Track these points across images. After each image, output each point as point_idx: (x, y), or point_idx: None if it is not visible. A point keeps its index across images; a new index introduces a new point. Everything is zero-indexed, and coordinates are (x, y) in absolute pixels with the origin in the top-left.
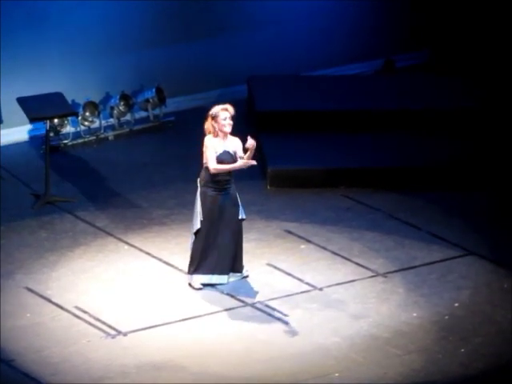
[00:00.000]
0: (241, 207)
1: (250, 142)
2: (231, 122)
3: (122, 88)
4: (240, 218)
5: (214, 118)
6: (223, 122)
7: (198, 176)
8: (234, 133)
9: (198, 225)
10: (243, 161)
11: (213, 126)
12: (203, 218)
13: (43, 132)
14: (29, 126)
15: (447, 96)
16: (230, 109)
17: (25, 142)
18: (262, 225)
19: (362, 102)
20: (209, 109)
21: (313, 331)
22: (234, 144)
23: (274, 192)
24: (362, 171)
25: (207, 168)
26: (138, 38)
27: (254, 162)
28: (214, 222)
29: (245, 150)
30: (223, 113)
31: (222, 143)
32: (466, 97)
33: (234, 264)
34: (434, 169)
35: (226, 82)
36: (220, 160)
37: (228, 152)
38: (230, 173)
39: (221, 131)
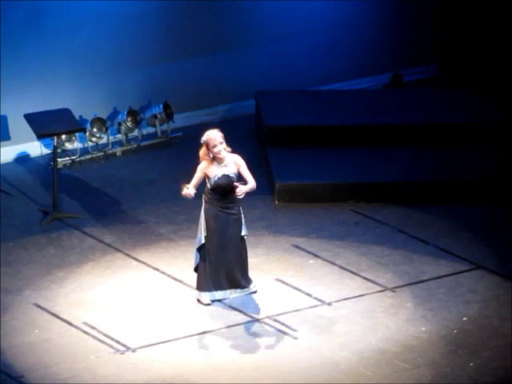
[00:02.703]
0: (244, 224)
1: (239, 190)
2: (223, 146)
3: (129, 104)
4: (242, 234)
5: (206, 145)
6: (215, 150)
7: (203, 192)
8: (241, 149)
9: (201, 240)
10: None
11: (207, 153)
12: (207, 233)
13: (51, 148)
14: (36, 143)
15: (455, 110)
16: (216, 136)
17: (33, 159)
18: (270, 240)
19: (369, 117)
20: (202, 133)
21: (321, 346)
22: (233, 164)
23: (281, 207)
24: (370, 186)
25: (208, 187)
26: (146, 53)
27: (188, 192)
28: (218, 238)
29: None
30: (212, 141)
31: (220, 167)
32: (475, 111)
33: (241, 279)
34: (442, 183)
35: (233, 97)
36: (219, 183)
37: (227, 175)
38: (229, 193)
39: (216, 157)
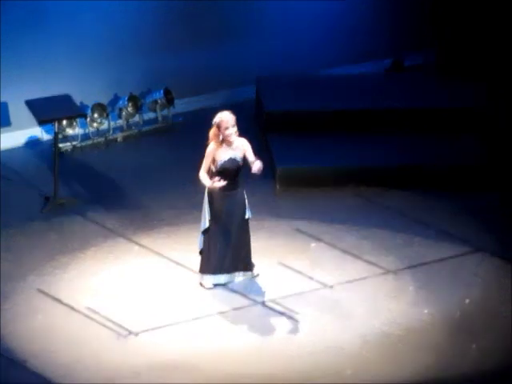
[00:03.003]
0: (247, 207)
1: (257, 167)
2: (235, 129)
3: (130, 89)
4: (246, 217)
5: (218, 127)
6: (226, 132)
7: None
8: (241, 134)
9: (206, 224)
10: (216, 183)
11: (217, 134)
12: (211, 217)
13: (52, 134)
14: (37, 129)
15: (456, 95)
16: (230, 119)
17: (34, 145)
18: (272, 224)
19: (370, 101)
20: (213, 115)
21: (324, 329)
22: (240, 148)
23: (283, 192)
24: (371, 170)
25: (212, 171)
26: (146, 39)
27: (221, 184)
28: (222, 221)
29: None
30: (224, 122)
31: (229, 150)
32: (474, 96)
33: (243, 263)
34: (443, 167)
35: (233, 82)
36: (225, 167)
37: (234, 159)
38: (235, 175)
39: (226, 140)
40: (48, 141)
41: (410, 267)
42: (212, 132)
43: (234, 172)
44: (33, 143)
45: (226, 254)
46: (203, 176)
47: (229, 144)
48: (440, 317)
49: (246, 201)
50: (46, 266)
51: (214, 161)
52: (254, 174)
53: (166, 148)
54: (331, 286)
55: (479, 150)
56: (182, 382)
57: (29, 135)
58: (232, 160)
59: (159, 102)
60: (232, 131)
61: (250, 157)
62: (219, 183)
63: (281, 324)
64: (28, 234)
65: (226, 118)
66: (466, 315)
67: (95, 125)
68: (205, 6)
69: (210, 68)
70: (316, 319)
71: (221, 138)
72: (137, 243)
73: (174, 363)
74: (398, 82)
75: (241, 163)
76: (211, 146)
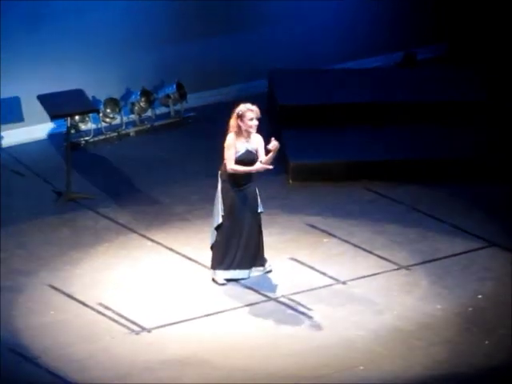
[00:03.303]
0: (259, 201)
1: (274, 144)
2: (257, 123)
3: (142, 84)
4: (259, 211)
5: (241, 117)
6: (250, 123)
7: (219, 170)
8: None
9: (219, 219)
10: (260, 165)
11: (238, 124)
12: (224, 212)
13: (64, 129)
14: (50, 124)
15: (469, 88)
16: (257, 110)
17: (46, 140)
18: (284, 219)
19: (383, 95)
20: (235, 105)
21: (336, 324)
22: (256, 142)
23: (296, 186)
24: (384, 164)
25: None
26: (159, 33)
27: (270, 167)
28: (235, 216)
29: (267, 151)
30: (250, 113)
31: (245, 142)
32: (487, 88)
33: (256, 258)
34: (456, 161)
35: (246, 76)
36: (241, 159)
37: (250, 151)
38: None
39: (246, 131)
40: (60, 136)
41: (422, 262)
42: (233, 122)
43: (249, 165)
44: (45, 138)
45: (238, 249)
46: (236, 167)
47: (247, 136)
48: (452, 312)
49: (258, 195)
50: (58, 261)
51: None
52: (266, 167)
53: (179, 142)
54: (344, 282)
55: (491, 142)
56: (195, 378)
57: (41, 130)
58: (249, 152)
59: (172, 96)
60: (256, 123)
61: (262, 155)
62: (261, 166)
63: (293, 320)
64: (40, 229)
65: (252, 108)
66: (479, 310)
67: (108, 120)
68: (218, 0)
69: (222, 62)
70: (328, 315)
71: (242, 128)
72: (149, 238)
73: (187, 359)
74: (411, 75)
75: (256, 156)
76: (231, 136)
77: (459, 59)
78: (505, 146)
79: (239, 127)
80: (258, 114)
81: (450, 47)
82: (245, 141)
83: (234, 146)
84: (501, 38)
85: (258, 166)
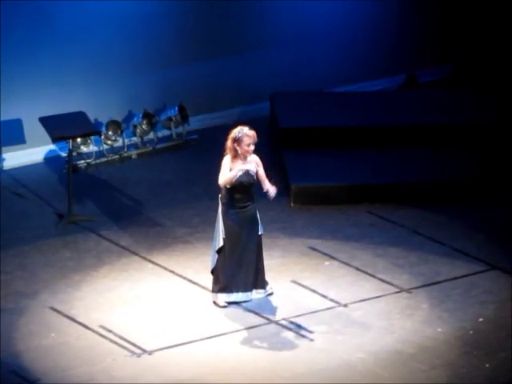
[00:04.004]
0: (260, 223)
1: (272, 192)
2: (254, 146)
3: (144, 106)
4: (259, 233)
5: (238, 141)
6: (247, 148)
7: (220, 194)
8: (256, 151)
9: (220, 242)
10: (234, 171)
11: (235, 148)
12: (225, 235)
13: (66, 151)
14: (51, 146)
15: (470, 111)
16: (254, 135)
17: (48, 162)
18: (285, 242)
19: (384, 118)
20: (231, 128)
21: (338, 347)
22: (253, 162)
23: (297, 209)
24: (385, 187)
25: (226, 187)
26: (161, 56)
27: (247, 167)
28: (236, 239)
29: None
30: (247, 139)
31: (242, 165)
32: (489, 112)
33: (257, 280)
34: (457, 183)
35: (248, 99)
36: (239, 181)
37: (249, 173)
38: (249, 191)
39: (242, 155)
40: (62, 158)
41: (423, 285)
42: (230, 145)
43: (248, 186)
44: (47, 160)
45: (239, 271)
46: (225, 176)
47: (244, 158)
48: (453, 335)
49: (259, 216)
50: (59, 283)
51: None
52: (267, 193)
53: (181, 165)
54: (345, 305)
55: (493, 165)
56: None
57: (43, 152)
58: (247, 174)
59: (174, 119)
60: (252, 148)
61: (262, 175)
62: (245, 166)
63: (294, 342)
64: (42, 251)
65: (249, 133)
66: (480, 333)
67: (110, 142)
68: (219, 23)
69: (224, 85)
70: (329, 338)
71: (239, 151)
72: (151, 261)
73: (187, 382)
74: (413, 98)
75: (255, 177)
76: (227, 158)
77: (462, 82)
78: (506, 169)
79: (235, 150)
80: (255, 138)
81: (454, 70)
82: (241, 163)
83: (228, 166)
84: (505, 61)
85: (242, 167)
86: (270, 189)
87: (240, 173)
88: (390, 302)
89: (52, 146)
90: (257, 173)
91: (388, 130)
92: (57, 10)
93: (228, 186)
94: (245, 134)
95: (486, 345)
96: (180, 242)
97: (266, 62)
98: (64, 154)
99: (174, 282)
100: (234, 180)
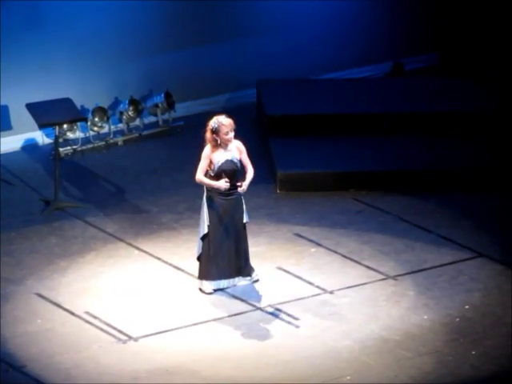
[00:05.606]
0: (245, 211)
1: (241, 190)
2: (233, 134)
3: (130, 93)
4: (244, 221)
5: (216, 132)
6: (226, 137)
7: None
8: (243, 138)
9: (205, 229)
10: (224, 183)
11: (214, 138)
12: (210, 222)
13: (52, 138)
14: (38, 132)
15: (456, 99)
16: (231, 123)
17: (34, 148)
18: (272, 228)
19: (370, 105)
20: (208, 119)
21: (323, 334)
22: (235, 149)
23: (283, 196)
24: (371, 174)
25: (210, 175)
26: (147, 43)
27: (226, 186)
28: (220, 226)
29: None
30: (224, 128)
31: (224, 153)
32: (476, 99)
33: (242, 267)
34: (443, 171)
35: (234, 86)
36: (222, 169)
37: (231, 160)
38: (233, 177)
39: (224, 143)
40: (49, 144)
41: (410, 272)
42: (209, 135)
43: (231, 174)
44: (33, 147)
45: (225, 258)
46: (203, 178)
47: (225, 147)
48: (440, 322)
49: (244, 205)
50: (45, 269)
51: (210, 164)
52: (253, 178)
53: (167, 152)
54: (331, 292)
55: (479, 152)
56: None
57: (29, 138)
58: (229, 162)
59: (160, 105)
60: (232, 135)
61: (246, 161)
62: (226, 184)
63: (280, 329)
64: (28, 237)
65: (226, 122)
66: (466, 321)
67: (96, 128)
68: (206, 9)
69: (210, 71)
70: (315, 324)
71: (218, 141)
72: (137, 248)
73: (173, 368)
74: (399, 86)
75: (238, 165)
76: (207, 149)
77: (449, 69)
78: (493, 156)
79: (215, 140)
80: (233, 125)
81: (441, 57)
82: (223, 151)
83: (207, 158)
84: (492, 47)
85: (221, 183)
86: (243, 185)
87: (223, 185)
88: (376, 289)
89: (38, 133)
90: (240, 159)
91: (375, 117)
92: None
93: (212, 174)
94: (221, 123)
95: (472, 332)
96: (166, 229)
97: (253, 49)
98: (50, 141)
99: (160, 269)
100: (209, 184)
